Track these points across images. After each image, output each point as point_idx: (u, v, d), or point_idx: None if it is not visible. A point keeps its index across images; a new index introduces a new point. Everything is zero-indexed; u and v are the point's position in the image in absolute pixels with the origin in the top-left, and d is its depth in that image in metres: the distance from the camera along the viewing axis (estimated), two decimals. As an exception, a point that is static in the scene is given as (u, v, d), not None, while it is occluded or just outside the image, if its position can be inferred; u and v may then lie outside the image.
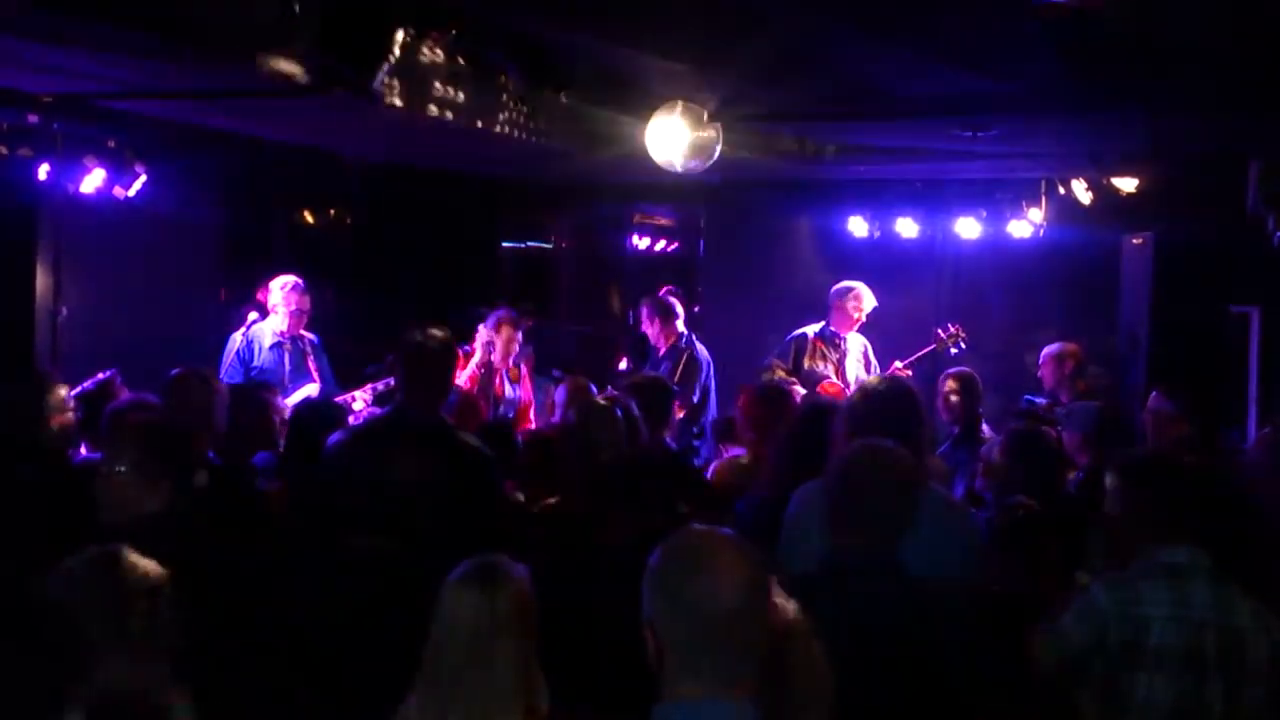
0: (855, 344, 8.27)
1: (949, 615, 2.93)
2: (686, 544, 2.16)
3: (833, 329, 8.22)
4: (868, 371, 8.18)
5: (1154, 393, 6.03)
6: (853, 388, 7.94)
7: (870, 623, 2.81)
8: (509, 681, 2.73)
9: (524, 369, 7.80)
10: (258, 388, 5.95)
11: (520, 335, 7.57)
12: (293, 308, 7.43)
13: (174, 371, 5.05)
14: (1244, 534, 3.46)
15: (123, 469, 3.67)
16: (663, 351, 8.28)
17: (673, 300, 8.50)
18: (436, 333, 4.50)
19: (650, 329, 8.43)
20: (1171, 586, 3.14)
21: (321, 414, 5.44)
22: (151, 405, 4.86)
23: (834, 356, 8.14)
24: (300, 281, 7.50)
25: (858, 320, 8.20)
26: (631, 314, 12.41)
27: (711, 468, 5.64)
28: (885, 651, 2.78)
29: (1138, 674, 3.13)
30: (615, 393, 5.23)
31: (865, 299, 8.19)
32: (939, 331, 8.46)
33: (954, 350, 8.40)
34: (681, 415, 7.08)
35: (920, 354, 8.32)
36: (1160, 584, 3.15)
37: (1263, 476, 4.64)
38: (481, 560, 2.87)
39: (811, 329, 8.21)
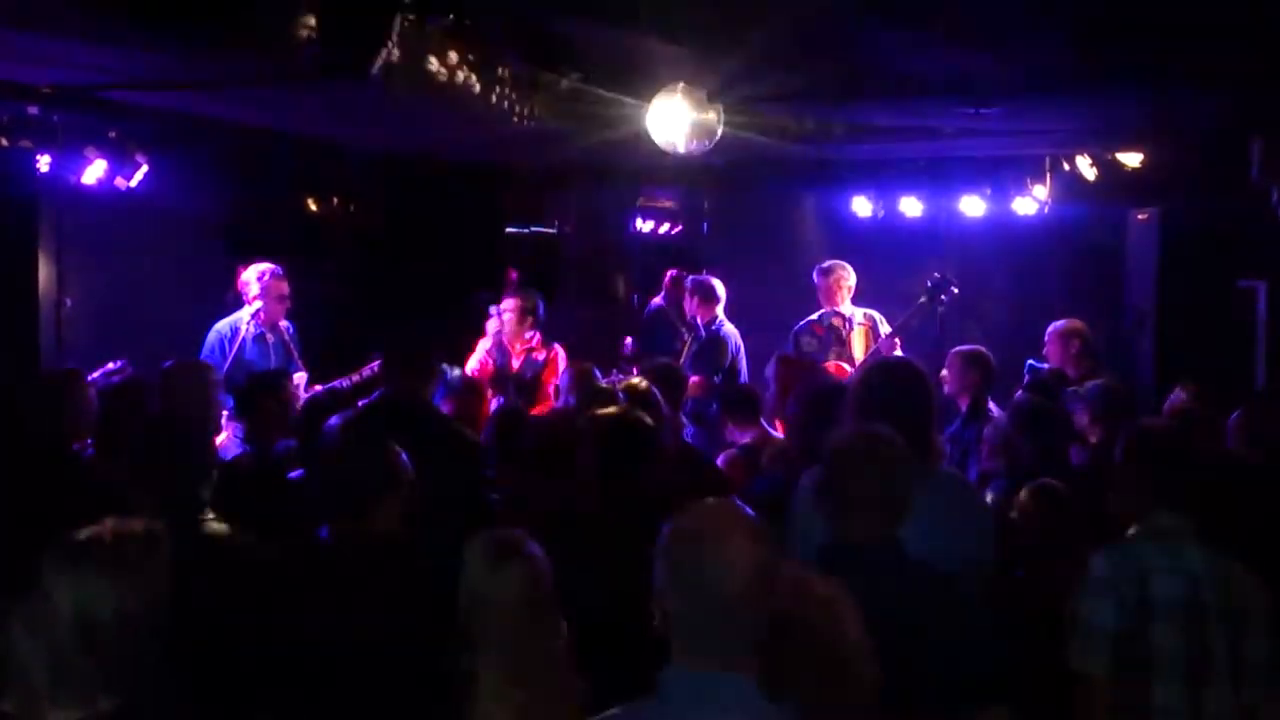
0: (858, 320, 8.12)
1: (953, 600, 2.91)
2: (698, 521, 2.15)
3: (826, 309, 8.17)
4: (875, 340, 8.03)
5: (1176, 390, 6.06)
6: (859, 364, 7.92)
7: (871, 610, 2.79)
8: (558, 652, 2.82)
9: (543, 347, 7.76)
10: (272, 374, 5.93)
11: (522, 306, 7.52)
12: (274, 295, 7.30)
13: (166, 364, 4.99)
14: (1232, 502, 3.47)
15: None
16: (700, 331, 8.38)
17: (712, 283, 8.44)
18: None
19: (689, 307, 8.50)
20: (1163, 544, 3.22)
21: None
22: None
23: (832, 338, 8.07)
24: (277, 268, 7.38)
25: (844, 295, 8.10)
26: (636, 297, 12.42)
27: (723, 459, 5.60)
28: (887, 638, 2.76)
29: (1153, 624, 3.17)
30: (643, 382, 5.17)
31: (846, 274, 8.14)
32: (926, 281, 7.97)
33: (944, 298, 7.91)
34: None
35: (907, 316, 7.94)
36: (1150, 544, 3.23)
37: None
38: (499, 535, 2.94)
39: (814, 316, 8.16)
